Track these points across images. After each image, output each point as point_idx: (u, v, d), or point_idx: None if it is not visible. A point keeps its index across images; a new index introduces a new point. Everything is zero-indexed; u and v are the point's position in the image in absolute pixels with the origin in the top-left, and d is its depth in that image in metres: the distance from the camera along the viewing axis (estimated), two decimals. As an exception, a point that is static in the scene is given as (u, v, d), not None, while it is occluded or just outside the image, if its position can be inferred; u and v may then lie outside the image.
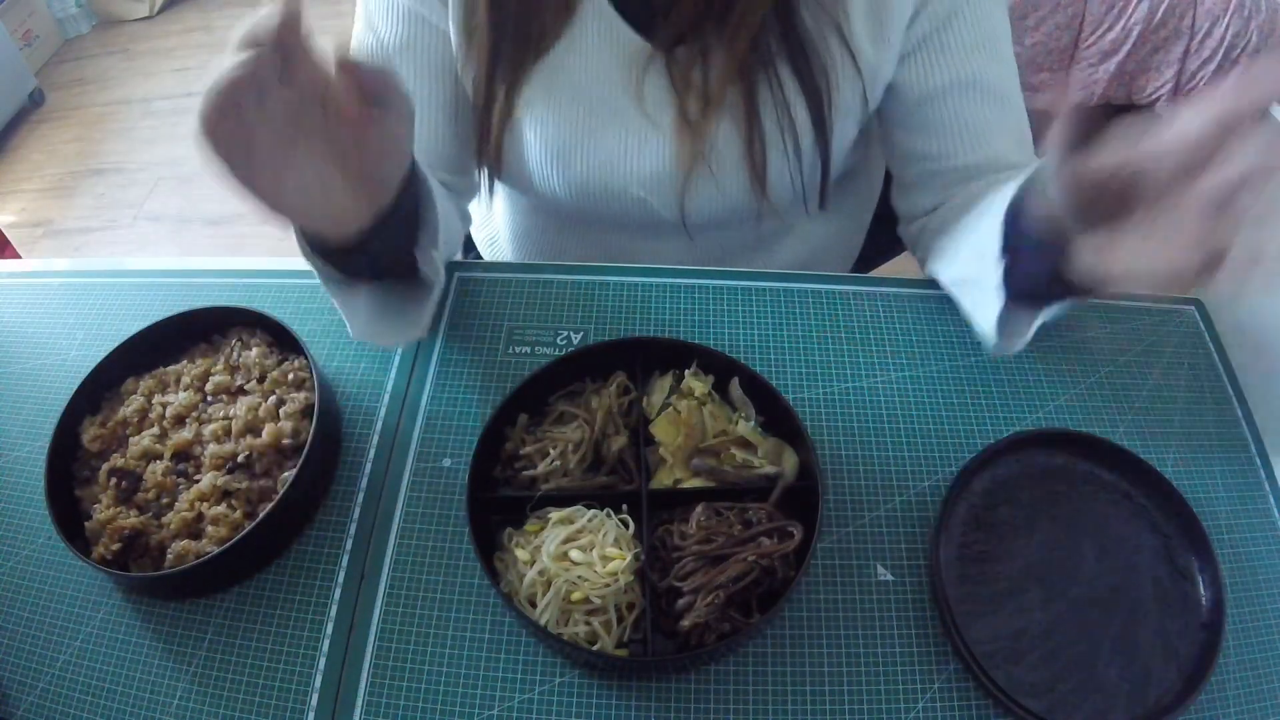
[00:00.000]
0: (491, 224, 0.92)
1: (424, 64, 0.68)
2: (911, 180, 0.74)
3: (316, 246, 0.54)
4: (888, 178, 0.89)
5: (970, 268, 0.62)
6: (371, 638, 0.55)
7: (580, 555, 0.53)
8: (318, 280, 0.69)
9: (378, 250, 0.55)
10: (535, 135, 0.69)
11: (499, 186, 0.80)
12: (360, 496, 0.61)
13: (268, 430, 0.58)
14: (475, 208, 0.95)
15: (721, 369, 0.62)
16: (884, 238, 0.98)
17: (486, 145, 0.70)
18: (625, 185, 0.70)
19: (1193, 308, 0.74)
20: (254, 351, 0.63)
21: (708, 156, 0.67)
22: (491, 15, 0.62)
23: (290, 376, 0.62)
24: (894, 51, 0.65)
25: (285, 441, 0.59)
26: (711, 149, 0.67)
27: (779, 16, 0.61)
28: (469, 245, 1.02)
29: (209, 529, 0.55)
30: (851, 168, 0.83)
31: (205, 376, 0.62)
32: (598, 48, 0.65)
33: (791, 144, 0.67)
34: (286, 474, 0.58)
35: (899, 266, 0.99)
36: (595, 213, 0.74)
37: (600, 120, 0.68)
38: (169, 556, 0.54)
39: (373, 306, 0.60)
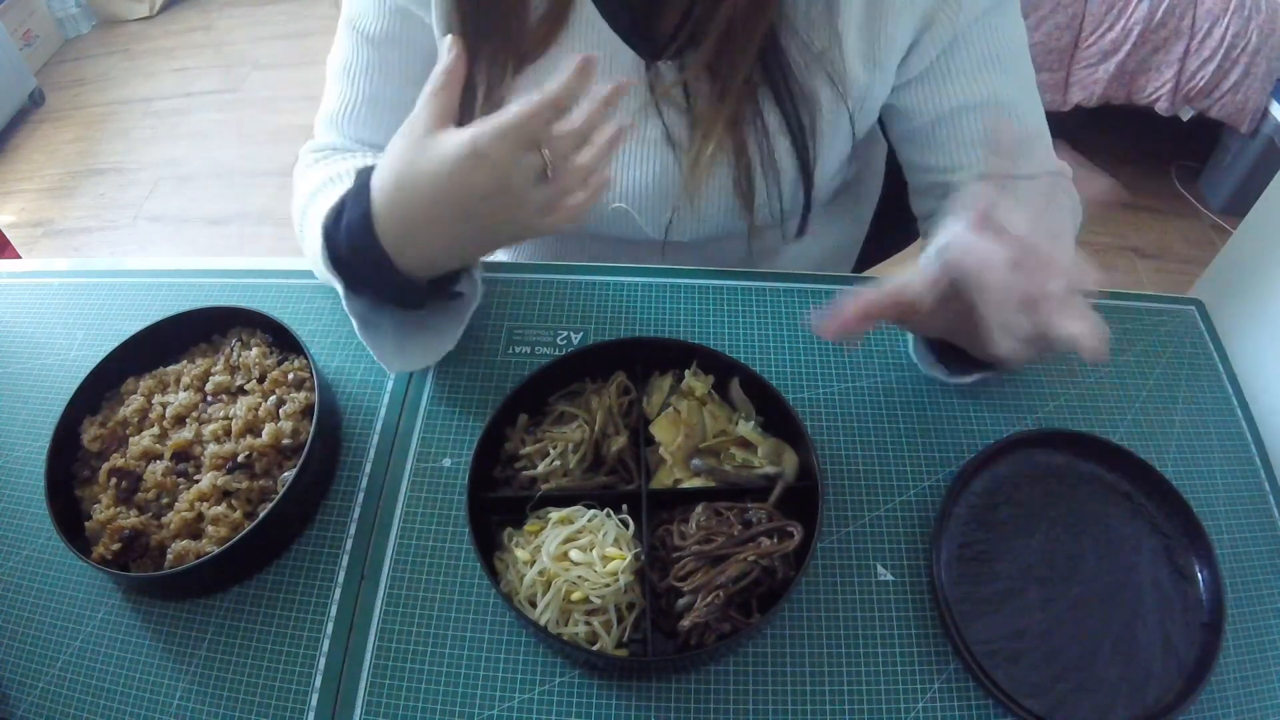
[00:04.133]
0: None
1: (409, 58, 0.67)
2: (924, 188, 0.74)
3: (391, 292, 0.57)
4: (890, 179, 0.89)
5: None
6: (371, 638, 0.55)
7: (580, 555, 0.53)
8: (317, 280, 0.69)
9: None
10: None
11: None
12: (360, 496, 0.61)
13: (268, 430, 0.58)
14: None
15: (721, 369, 0.62)
16: (886, 238, 0.97)
17: None
18: (609, 198, 0.69)
19: (1193, 308, 0.74)
20: (254, 351, 0.63)
21: (698, 181, 0.66)
22: (472, 25, 0.61)
23: (290, 376, 0.62)
24: (888, 74, 0.65)
25: (285, 441, 0.59)
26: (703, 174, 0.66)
27: (762, 46, 0.60)
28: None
29: (209, 529, 0.55)
30: (844, 183, 0.83)
31: (205, 376, 0.62)
32: None
33: (773, 174, 0.66)
34: (286, 474, 0.58)
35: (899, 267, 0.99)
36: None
37: None
38: (169, 556, 0.54)
39: (422, 331, 0.64)
